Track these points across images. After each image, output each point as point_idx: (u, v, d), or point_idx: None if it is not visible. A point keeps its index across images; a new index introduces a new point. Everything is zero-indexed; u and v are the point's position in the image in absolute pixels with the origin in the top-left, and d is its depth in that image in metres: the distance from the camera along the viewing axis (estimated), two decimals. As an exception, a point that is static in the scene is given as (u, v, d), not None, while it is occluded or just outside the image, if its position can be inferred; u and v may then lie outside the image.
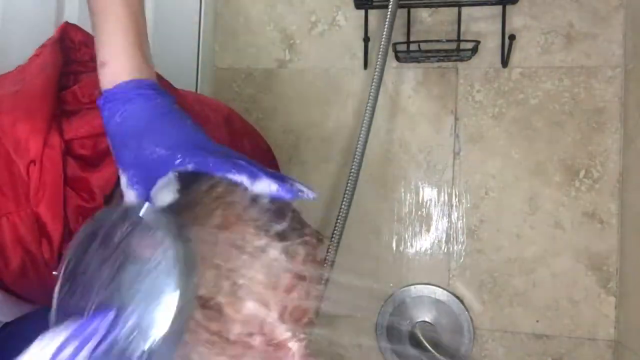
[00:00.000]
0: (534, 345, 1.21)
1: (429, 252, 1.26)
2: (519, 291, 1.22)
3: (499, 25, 1.21)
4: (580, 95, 1.21)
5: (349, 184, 1.03)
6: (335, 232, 0.97)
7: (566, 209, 1.21)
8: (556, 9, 1.23)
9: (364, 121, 1.01)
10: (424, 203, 1.27)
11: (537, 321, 1.21)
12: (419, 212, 1.27)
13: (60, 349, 0.35)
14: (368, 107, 1.00)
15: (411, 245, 1.27)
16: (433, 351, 1.15)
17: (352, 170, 0.99)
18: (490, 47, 1.24)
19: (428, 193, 1.27)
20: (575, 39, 1.22)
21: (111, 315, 0.36)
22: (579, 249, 1.20)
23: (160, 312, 0.35)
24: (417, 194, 1.27)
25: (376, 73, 0.97)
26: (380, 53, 0.96)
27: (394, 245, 1.27)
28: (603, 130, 1.20)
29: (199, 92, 1.32)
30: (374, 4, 1.23)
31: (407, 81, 1.29)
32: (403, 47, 1.21)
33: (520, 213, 1.22)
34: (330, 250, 0.90)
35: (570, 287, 1.20)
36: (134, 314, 0.36)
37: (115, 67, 0.51)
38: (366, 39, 1.27)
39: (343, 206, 1.02)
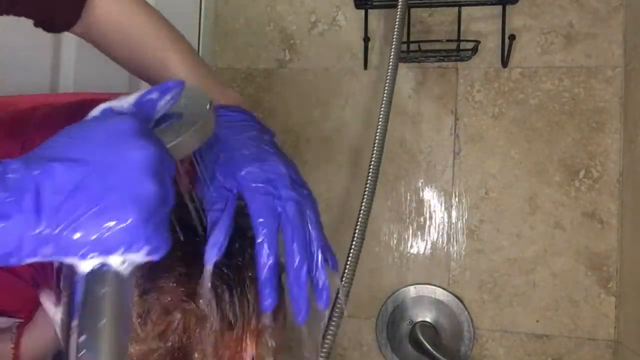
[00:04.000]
0: (534, 345, 1.21)
1: (429, 252, 1.26)
2: (519, 291, 1.22)
3: (499, 25, 1.21)
4: (580, 95, 1.21)
5: (365, 198, 0.90)
6: (352, 249, 0.85)
7: (566, 209, 1.21)
8: (556, 9, 1.23)
9: (379, 129, 0.88)
10: (424, 203, 1.27)
11: (537, 321, 1.21)
12: (419, 212, 1.27)
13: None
14: (382, 114, 0.85)
15: (411, 245, 1.27)
16: (433, 351, 1.15)
17: (368, 188, 0.87)
18: (490, 47, 1.24)
19: (428, 193, 1.27)
20: (575, 39, 1.22)
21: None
22: (579, 249, 1.20)
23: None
24: (417, 193, 1.27)
25: (388, 77, 0.86)
26: (391, 56, 0.88)
27: (394, 245, 1.27)
28: (603, 130, 1.20)
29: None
30: (374, 4, 1.23)
31: (407, 81, 1.29)
32: (403, 47, 1.21)
33: (520, 213, 1.22)
34: (348, 268, 0.83)
35: (570, 287, 1.20)
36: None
37: None
38: (366, 39, 1.27)
39: (361, 221, 0.88)
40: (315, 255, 0.45)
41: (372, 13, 1.28)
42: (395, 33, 0.86)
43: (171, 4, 1.25)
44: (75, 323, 0.34)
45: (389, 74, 0.86)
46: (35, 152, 0.35)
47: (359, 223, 0.81)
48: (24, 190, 0.33)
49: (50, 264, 0.49)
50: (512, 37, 1.19)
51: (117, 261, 0.35)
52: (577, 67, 1.21)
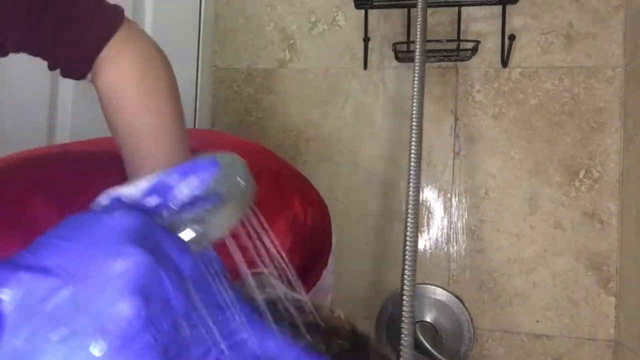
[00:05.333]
0: (534, 345, 1.21)
1: (429, 252, 1.26)
2: (519, 291, 1.22)
3: (499, 25, 1.21)
4: (580, 95, 1.21)
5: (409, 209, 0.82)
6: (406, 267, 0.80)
7: (566, 209, 1.21)
8: (556, 9, 1.23)
9: (413, 138, 0.79)
10: (424, 203, 1.27)
11: (537, 321, 1.21)
12: (419, 212, 1.27)
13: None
14: (414, 116, 0.79)
15: (411, 245, 1.27)
16: (433, 351, 1.15)
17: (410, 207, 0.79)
18: (490, 47, 1.24)
19: (428, 193, 1.27)
20: (575, 39, 1.22)
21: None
22: (579, 249, 1.20)
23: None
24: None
25: (416, 74, 0.80)
26: (418, 53, 0.82)
27: (394, 245, 1.27)
28: (603, 130, 1.20)
29: (198, 92, 1.32)
30: (374, 4, 1.23)
31: (407, 81, 1.29)
32: (403, 47, 1.21)
33: (520, 213, 1.22)
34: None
35: (570, 287, 1.20)
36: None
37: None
38: (366, 39, 1.27)
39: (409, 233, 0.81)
40: None
41: (372, 13, 1.28)
42: (418, 33, 0.82)
43: (171, 4, 1.25)
44: None
45: (416, 76, 0.80)
46: (23, 251, 0.30)
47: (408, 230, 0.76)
48: None
49: None
50: (512, 37, 1.19)
51: None
52: (577, 67, 1.21)
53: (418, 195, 0.78)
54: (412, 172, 0.76)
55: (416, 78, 0.77)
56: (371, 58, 1.29)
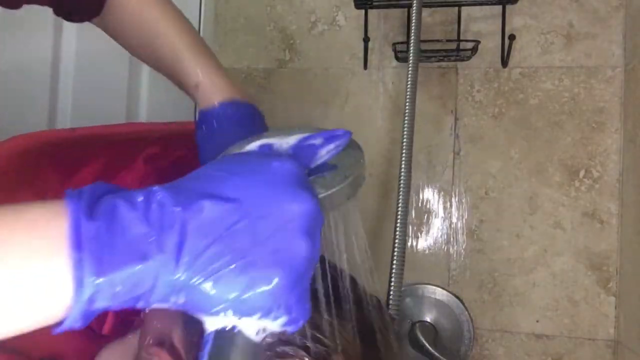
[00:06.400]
0: (534, 345, 1.21)
1: (428, 252, 1.26)
2: (519, 291, 1.22)
3: (499, 25, 1.21)
4: (580, 95, 1.21)
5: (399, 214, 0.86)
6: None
7: (566, 209, 1.21)
8: (556, 9, 1.23)
9: (404, 142, 0.84)
10: (424, 203, 1.27)
11: (537, 321, 1.21)
12: (419, 212, 1.27)
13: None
14: (406, 120, 0.85)
15: (411, 245, 1.27)
16: (433, 351, 1.15)
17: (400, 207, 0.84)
18: (490, 47, 1.24)
19: (428, 193, 1.27)
20: (575, 39, 1.22)
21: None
22: (579, 249, 1.20)
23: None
24: (417, 194, 1.27)
25: (410, 75, 0.83)
26: (411, 55, 0.84)
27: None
28: (603, 130, 1.20)
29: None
30: (374, 4, 1.23)
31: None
32: (403, 47, 1.21)
33: (520, 213, 1.22)
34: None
35: (570, 287, 1.20)
36: None
37: (211, 87, 0.52)
38: (366, 39, 1.26)
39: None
40: None
41: (372, 13, 1.28)
42: (412, 34, 0.84)
43: (171, 4, 1.25)
44: None
45: (409, 76, 0.83)
46: (184, 181, 0.31)
47: (397, 229, 0.79)
48: (168, 227, 0.28)
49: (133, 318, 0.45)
50: (512, 37, 1.19)
51: (251, 327, 0.30)
52: (577, 67, 1.21)
53: (408, 193, 0.80)
54: (402, 169, 0.78)
55: (409, 77, 0.79)
56: (371, 58, 1.29)
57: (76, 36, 1.09)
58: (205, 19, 1.34)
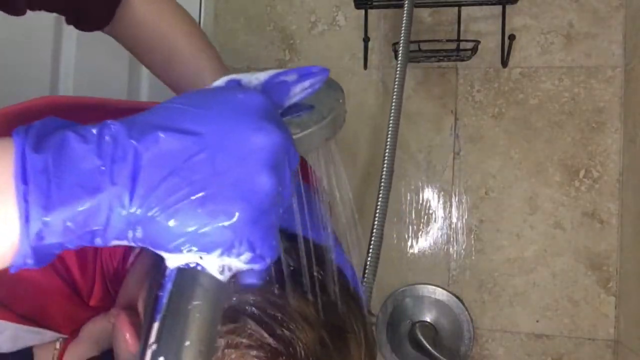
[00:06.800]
0: (534, 345, 1.21)
1: (429, 252, 1.26)
2: (519, 291, 1.22)
3: (499, 25, 1.21)
4: (580, 95, 1.21)
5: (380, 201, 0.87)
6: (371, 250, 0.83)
7: (566, 209, 1.21)
8: (556, 9, 1.23)
9: (389, 135, 0.85)
10: (424, 203, 1.27)
11: (537, 321, 1.21)
12: (419, 212, 1.27)
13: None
14: (391, 123, 0.86)
15: (411, 245, 1.27)
16: (433, 351, 1.15)
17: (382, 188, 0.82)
18: (490, 47, 1.24)
19: (428, 193, 1.27)
20: (575, 39, 1.22)
21: None
22: (579, 249, 1.20)
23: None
24: (417, 193, 1.27)
25: (397, 79, 0.84)
26: (400, 57, 0.85)
27: (394, 244, 1.27)
28: (603, 130, 1.20)
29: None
30: (374, 4, 1.23)
31: (407, 81, 1.28)
32: (403, 47, 1.21)
33: (520, 213, 1.22)
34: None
35: (570, 287, 1.20)
36: None
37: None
38: (366, 39, 1.26)
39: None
40: None
41: (372, 13, 1.28)
42: (402, 33, 0.84)
43: (171, 4, 1.25)
44: (153, 339, 0.28)
45: (397, 75, 0.84)
46: (141, 116, 0.30)
47: (375, 225, 0.79)
48: (120, 159, 0.27)
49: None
50: (512, 37, 1.19)
51: (214, 264, 0.29)
52: (577, 67, 1.21)
53: (390, 176, 0.81)
54: (385, 165, 0.80)
55: (397, 79, 0.79)
56: (371, 58, 1.29)
57: (76, 36, 1.09)
58: (205, 19, 1.34)
